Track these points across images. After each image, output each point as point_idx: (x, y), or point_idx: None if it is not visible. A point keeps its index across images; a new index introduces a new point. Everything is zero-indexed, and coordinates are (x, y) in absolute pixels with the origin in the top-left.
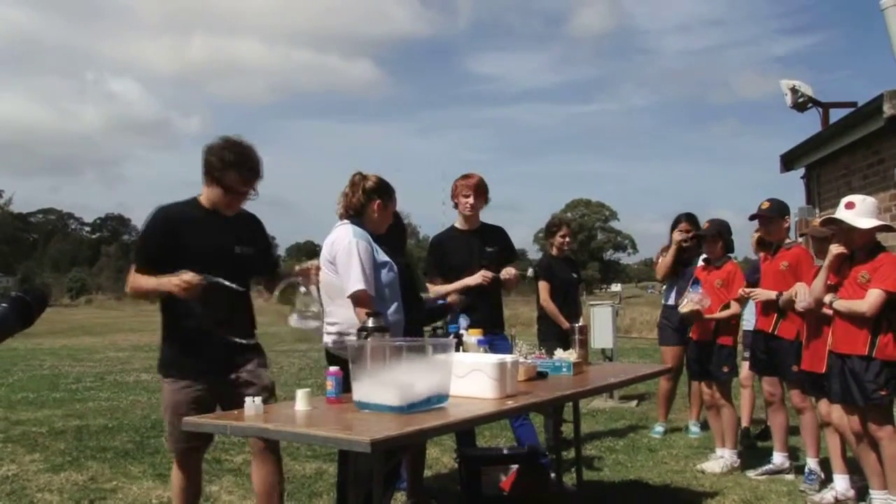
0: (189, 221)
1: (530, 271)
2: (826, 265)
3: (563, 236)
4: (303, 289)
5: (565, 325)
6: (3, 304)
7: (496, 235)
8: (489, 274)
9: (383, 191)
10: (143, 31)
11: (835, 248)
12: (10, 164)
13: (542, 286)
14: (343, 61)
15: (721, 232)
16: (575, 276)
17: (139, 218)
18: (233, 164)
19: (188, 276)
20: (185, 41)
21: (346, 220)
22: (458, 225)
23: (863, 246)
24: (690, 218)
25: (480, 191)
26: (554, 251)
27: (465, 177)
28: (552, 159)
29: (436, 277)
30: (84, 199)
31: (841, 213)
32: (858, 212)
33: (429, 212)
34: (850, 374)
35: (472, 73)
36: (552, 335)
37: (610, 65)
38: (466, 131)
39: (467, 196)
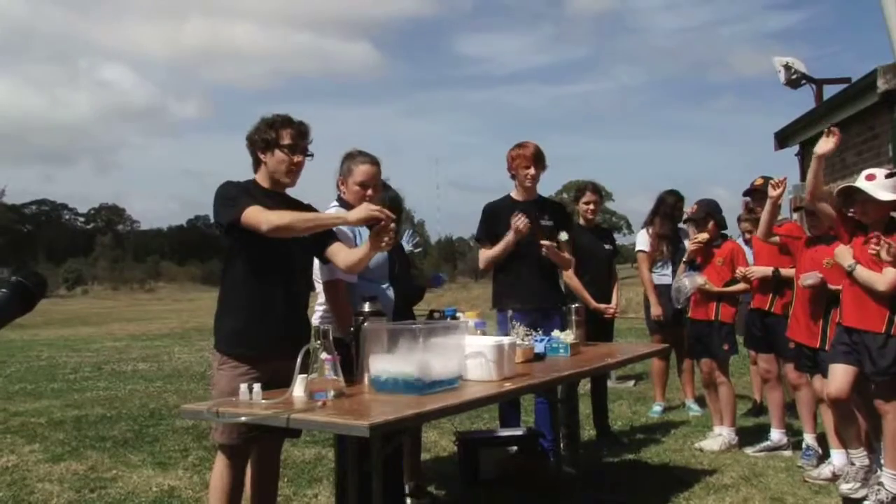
0: (260, 200)
1: (564, 235)
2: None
3: (587, 203)
4: (325, 354)
5: (592, 304)
6: (3, 290)
7: (554, 210)
8: (523, 220)
9: (341, 166)
10: (137, 16)
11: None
12: (3, 155)
13: None
14: (342, 44)
15: (710, 212)
16: (608, 247)
17: (134, 208)
18: (283, 122)
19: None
20: (180, 26)
21: (335, 203)
22: (514, 195)
23: (878, 221)
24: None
25: (539, 159)
26: (581, 220)
27: (521, 146)
28: (546, 140)
29: (486, 243)
30: (78, 189)
31: (860, 184)
32: (879, 184)
33: (422, 195)
34: (862, 349)
35: (465, 55)
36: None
37: (603, 43)
38: (459, 113)
39: (527, 167)
